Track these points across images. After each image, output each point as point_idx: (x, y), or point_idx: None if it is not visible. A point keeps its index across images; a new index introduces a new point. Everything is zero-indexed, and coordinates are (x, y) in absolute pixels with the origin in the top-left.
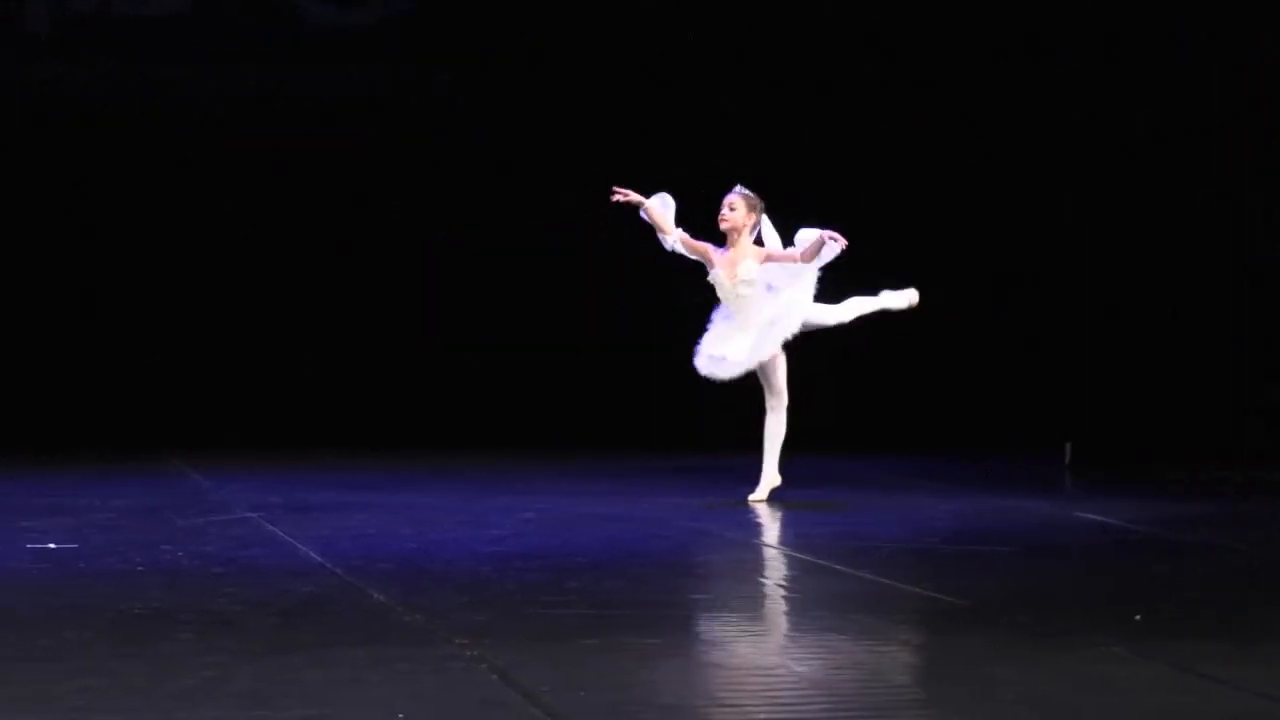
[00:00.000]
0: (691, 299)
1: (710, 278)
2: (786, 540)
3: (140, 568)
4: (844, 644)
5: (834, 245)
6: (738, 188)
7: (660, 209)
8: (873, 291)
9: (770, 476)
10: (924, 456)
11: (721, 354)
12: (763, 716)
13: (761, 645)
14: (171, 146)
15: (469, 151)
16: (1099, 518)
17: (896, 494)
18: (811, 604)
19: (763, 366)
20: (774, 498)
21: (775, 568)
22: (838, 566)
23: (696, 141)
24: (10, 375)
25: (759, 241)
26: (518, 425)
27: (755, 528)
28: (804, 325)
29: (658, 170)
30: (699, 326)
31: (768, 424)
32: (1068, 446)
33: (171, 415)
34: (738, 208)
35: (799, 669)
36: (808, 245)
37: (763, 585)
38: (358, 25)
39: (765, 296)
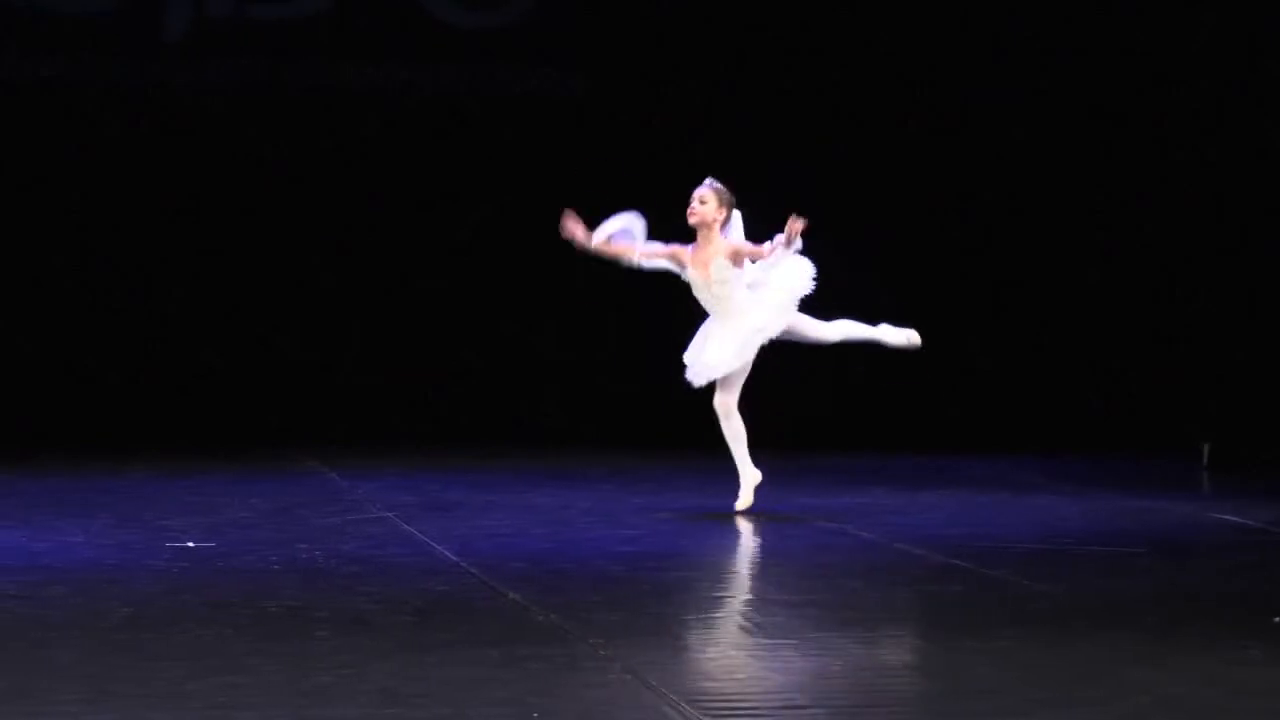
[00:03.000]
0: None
1: (685, 277)
2: (918, 540)
3: (277, 566)
4: (976, 645)
5: (795, 236)
6: (709, 180)
7: (617, 238)
8: (873, 322)
9: (749, 475)
10: (1055, 456)
11: (704, 361)
12: (901, 715)
13: (894, 645)
14: (307, 145)
15: (600, 152)
16: (1236, 519)
17: (1028, 494)
18: (944, 605)
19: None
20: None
21: (907, 568)
22: (970, 566)
23: (805, 143)
24: (149, 375)
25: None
26: (652, 424)
27: (888, 527)
28: (791, 334)
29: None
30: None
31: (728, 428)
32: (1206, 447)
33: (308, 414)
34: (708, 201)
35: (929, 669)
36: (774, 242)
37: (896, 585)
38: (491, 26)
39: (747, 296)
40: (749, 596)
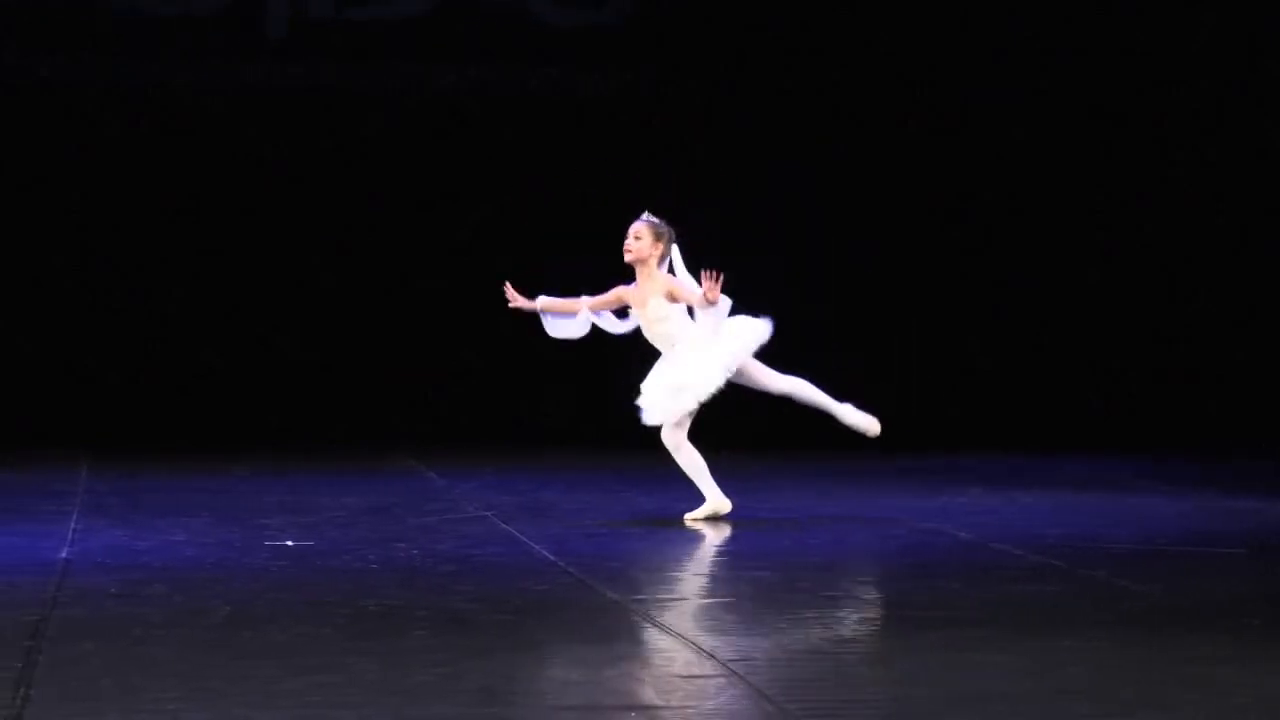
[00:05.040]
0: None
1: (634, 316)
2: (1015, 540)
3: (375, 565)
4: (1072, 645)
5: (712, 296)
6: (644, 215)
7: (554, 304)
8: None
9: (714, 501)
10: (1152, 456)
11: (649, 405)
12: (996, 715)
13: (990, 645)
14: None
15: (690, 150)
16: None
17: (1126, 494)
18: (1041, 605)
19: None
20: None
21: (1004, 567)
22: (1066, 566)
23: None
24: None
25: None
26: (751, 425)
27: (985, 527)
28: (746, 379)
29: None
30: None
31: (685, 459)
32: None
33: (406, 413)
34: (643, 237)
35: (1025, 668)
36: (701, 292)
37: (992, 585)
38: (592, 26)
39: (694, 340)
40: (846, 596)
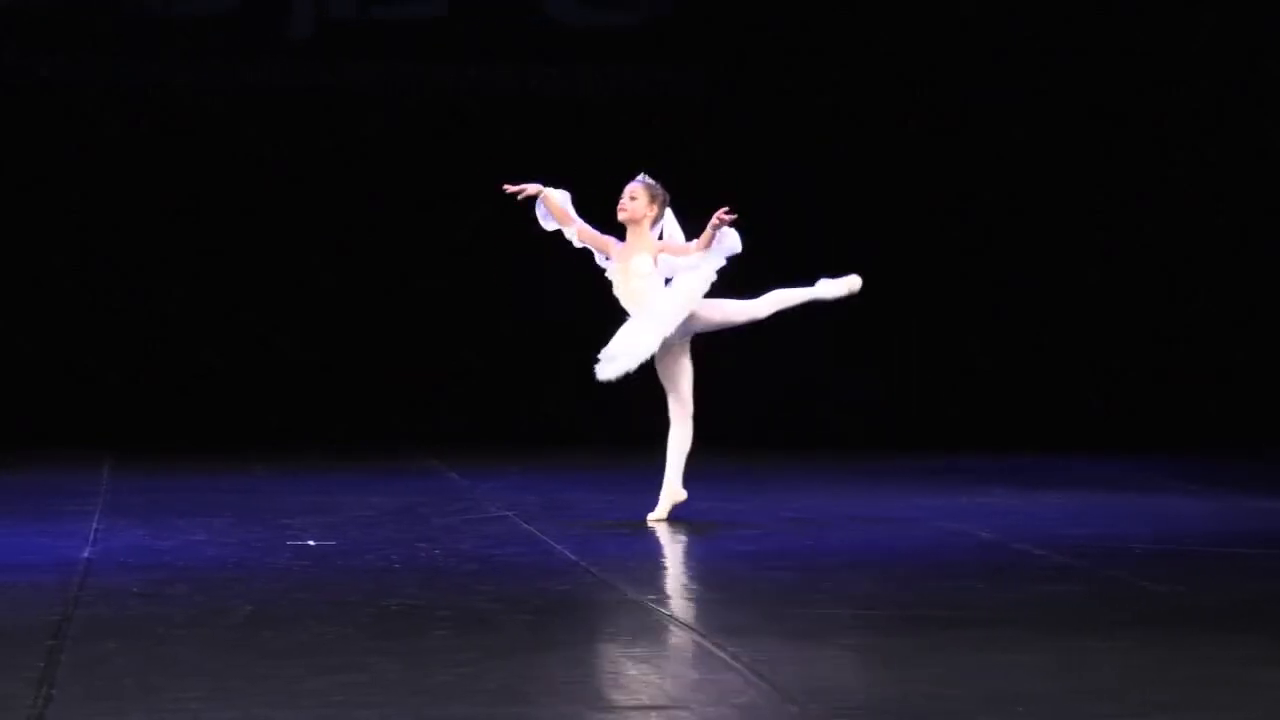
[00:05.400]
0: None
1: (607, 271)
2: (1038, 540)
3: (397, 565)
4: (1097, 646)
5: (726, 227)
6: (641, 176)
7: (559, 200)
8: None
9: (673, 491)
10: (1176, 456)
11: (609, 352)
12: (1021, 717)
13: (1014, 645)
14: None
15: (724, 152)
16: None
17: (1150, 494)
18: (1065, 605)
19: (667, 372)
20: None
21: (1028, 567)
22: (1091, 567)
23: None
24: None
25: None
26: (775, 424)
27: (1008, 527)
28: (709, 324)
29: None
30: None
31: (671, 434)
32: None
33: (428, 414)
34: (639, 197)
35: (1049, 669)
36: (700, 238)
37: (1016, 585)
38: (613, 27)
39: (663, 291)
40: (868, 596)
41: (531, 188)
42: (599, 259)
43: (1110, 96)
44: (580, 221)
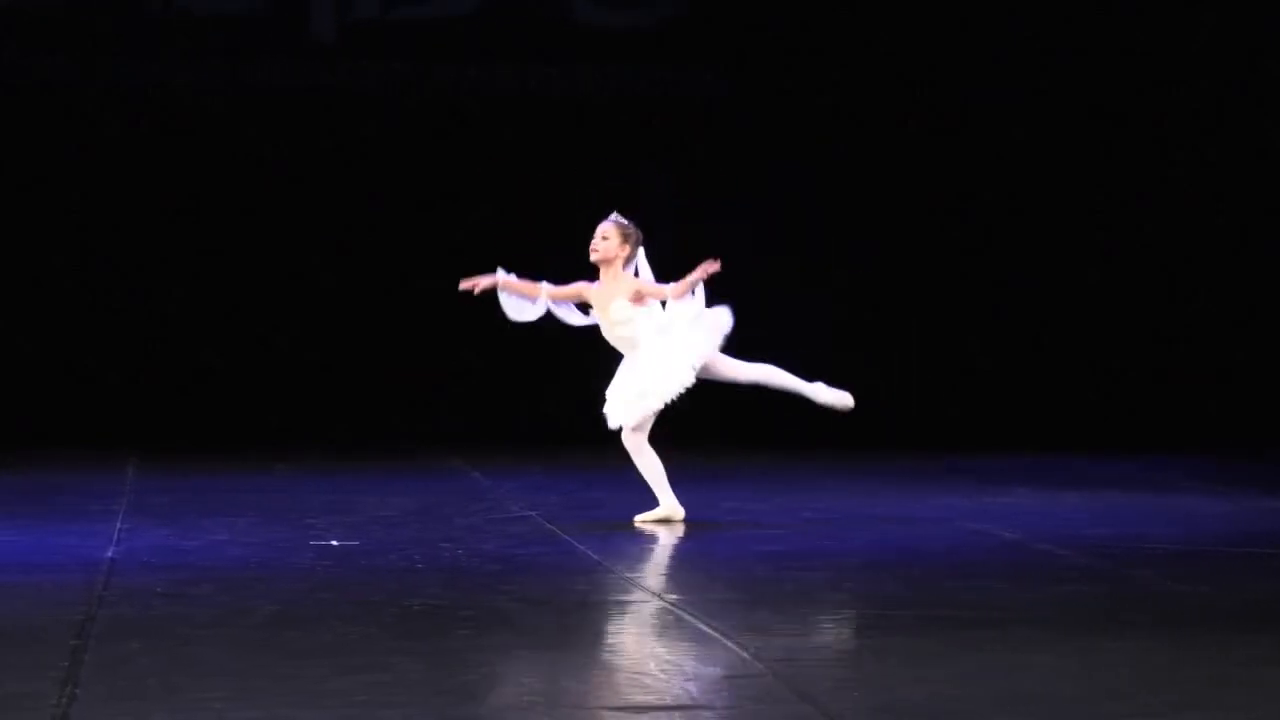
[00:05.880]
0: None
1: (592, 316)
2: (1060, 540)
3: (420, 565)
4: (1117, 646)
5: (699, 280)
6: (613, 215)
7: (516, 282)
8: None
9: (668, 506)
10: (1197, 457)
11: (612, 410)
12: (1041, 716)
13: (1035, 646)
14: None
15: (741, 151)
16: None
17: (1171, 494)
18: (1086, 606)
19: None
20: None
21: (1049, 568)
22: (1112, 567)
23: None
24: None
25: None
26: (799, 424)
27: (1030, 527)
28: (707, 374)
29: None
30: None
31: (644, 463)
32: None
33: (447, 414)
34: (611, 237)
35: (1070, 670)
36: (680, 281)
37: (1037, 586)
38: (634, 27)
39: (656, 343)
40: (890, 596)
41: (486, 280)
42: (583, 319)
43: (1110, 96)
44: (545, 286)
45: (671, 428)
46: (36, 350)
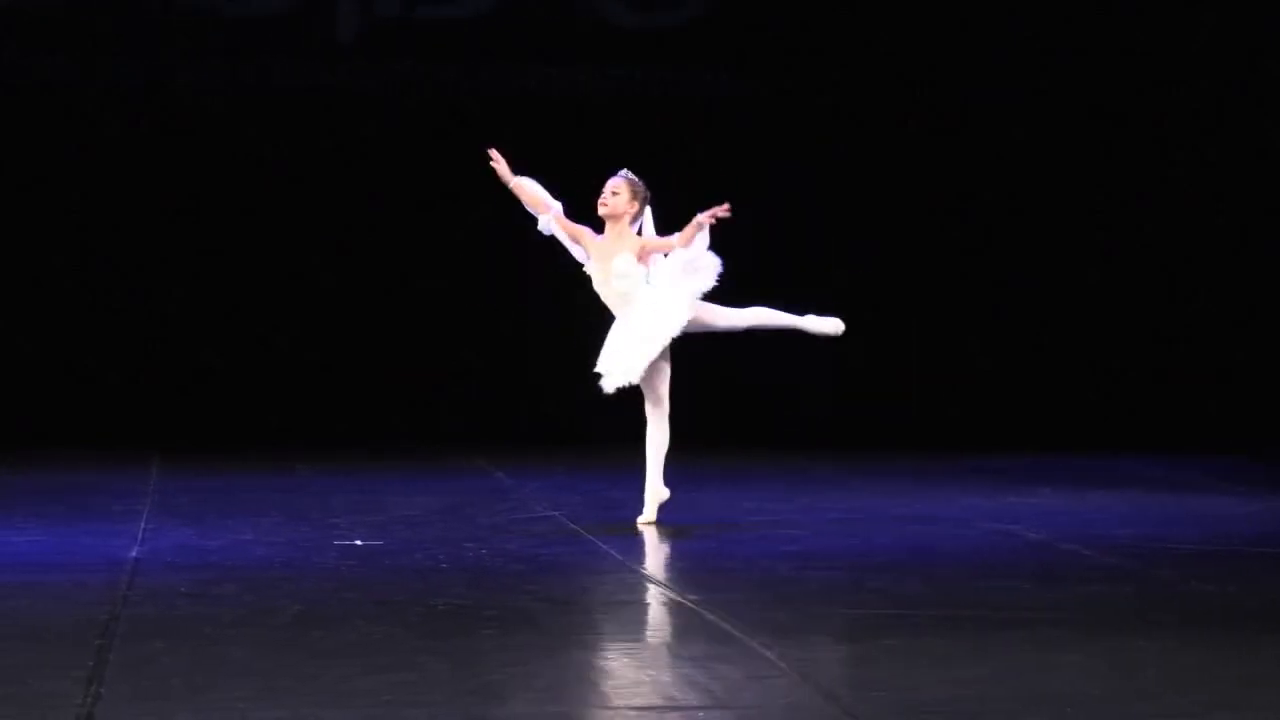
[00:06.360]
0: None
1: (587, 269)
2: (1085, 540)
3: (444, 564)
4: (1144, 646)
5: (706, 231)
6: (623, 171)
7: (530, 189)
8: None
9: (656, 491)
10: (1221, 457)
11: (611, 368)
12: (1068, 717)
13: (1061, 646)
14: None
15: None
16: None
17: (1196, 495)
18: (1112, 606)
19: (645, 374)
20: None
21: (1075, 568)
22: (1138, 567)
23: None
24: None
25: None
26: (820, 424)
27: (1055, 528)
28: (694, 325)
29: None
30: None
31: (650, 435)
32: None
33: (471, 413)
34: (621, 192)
35: (1096, 670)
36: (686, 228)
37: (1063, 586)
38: (658, 26)
39: (648, 293)
40: (915, 596)
41: (504, 170)
42: (576, 254)
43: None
44: (558, 206)
45: (694, 428)
46: (37, 350)
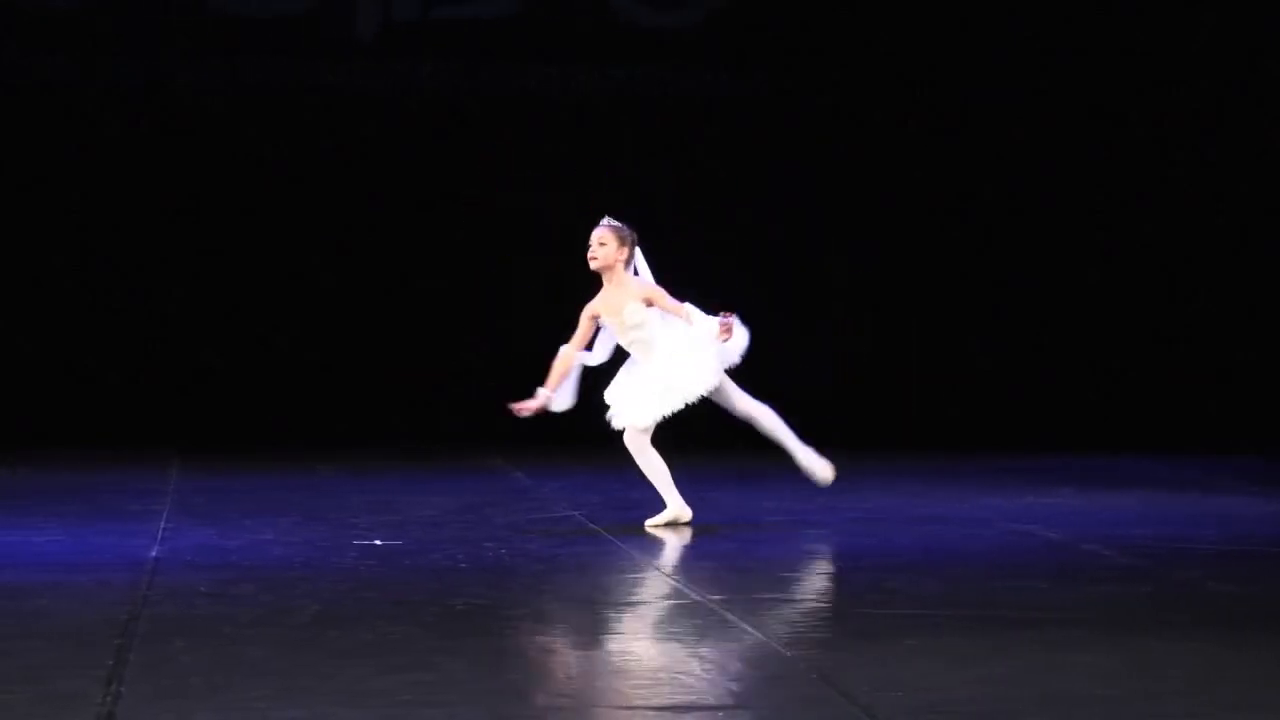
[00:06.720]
0: None
1: (603, 322)
2: (1104, 540)
3: (463, 564)
4: (1162, 646)
5: (726, 336)
6: (605, 220)
7: (553, 388)
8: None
9: (675, 507)
10: (1241, 458)
11: (623, 411)
12: (1085, 717)
13: (1080, 646)
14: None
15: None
16: None
17: (1215, 495)
18: (1131, 606)
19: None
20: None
21: (1094, 568)
22: (1156, 567)
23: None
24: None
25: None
26: (839, 425)
27: (1074, 528)
28: (713, 393)
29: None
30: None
31: (647, 463)
32: None
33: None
34: (608, 242)
35: (1115, 670)
36: (701, 319)
37: (1082, 586)
38: (675, 26)
39: (674, 346)
40: (935, 597)
41: (533, 404)
42: (607, 333)
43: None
44: (568, 354)
45: (710, 428)
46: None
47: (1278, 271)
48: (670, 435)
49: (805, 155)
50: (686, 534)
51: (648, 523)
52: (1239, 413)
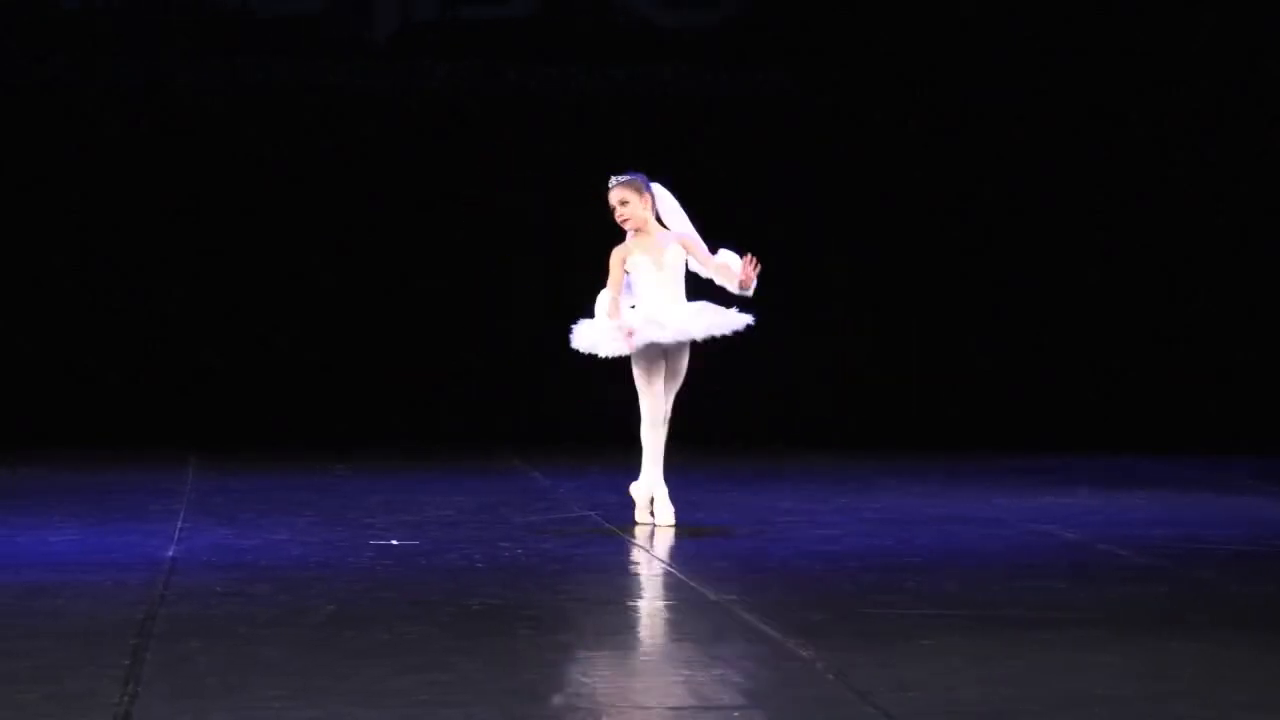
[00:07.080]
0: None
1: (630, 264)
2: (1121, 540)
3: (479, 564)
4: (1179, 646)
5: (749, 282)
6: (613, 181)
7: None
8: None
9: (652, 486)
10: (1259, 457)
11: (668, 323)
12: (1103, 717)
13: (1097, 646)
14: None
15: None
16: None
17: (1232, 495)
18: (1148, 606)
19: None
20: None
21: (1111, 568)
22: (1173, 567)
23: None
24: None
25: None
26: (839, 425)
27: (1091, 527)
28: (672, 358)
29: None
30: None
31: (659, 436)
32: None
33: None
34: (630, 200)
35: (1132, 670)
36: (725, 261)
37: (1099, 587)
38: (698, 26)
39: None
40: (951, 596)
41: (630, 330)
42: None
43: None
44: (614, 298)
45: (727, 430)
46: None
47: (1278, 271)
48: (685, 435)
49: (805, 155)
50: (705, 534)
51: (636, 515)
52: (1239, 413)
